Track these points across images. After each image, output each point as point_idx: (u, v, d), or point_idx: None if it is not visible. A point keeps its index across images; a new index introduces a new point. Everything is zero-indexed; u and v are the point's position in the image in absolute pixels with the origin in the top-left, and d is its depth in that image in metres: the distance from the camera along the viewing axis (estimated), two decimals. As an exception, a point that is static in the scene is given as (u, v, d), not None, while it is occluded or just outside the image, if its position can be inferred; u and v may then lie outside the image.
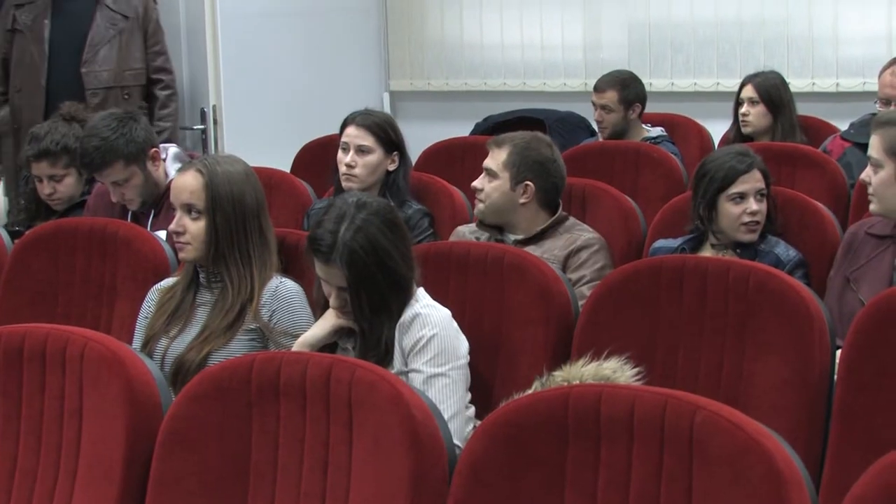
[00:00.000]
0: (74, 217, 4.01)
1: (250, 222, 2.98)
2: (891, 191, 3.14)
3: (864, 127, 4.56)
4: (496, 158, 3.44)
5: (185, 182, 2.96)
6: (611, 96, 4.98)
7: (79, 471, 2.43)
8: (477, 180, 3.49)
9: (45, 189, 4.08)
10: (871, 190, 3.17)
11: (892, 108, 4.44)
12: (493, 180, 3.42)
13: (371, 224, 2.69)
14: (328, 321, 2.78)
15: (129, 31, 5.01)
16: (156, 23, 5.11)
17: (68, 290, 3.55)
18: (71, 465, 2.44)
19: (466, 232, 3.56)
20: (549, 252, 3.32)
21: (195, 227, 2.92)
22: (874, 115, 4.45)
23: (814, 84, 5.71)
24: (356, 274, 2.62)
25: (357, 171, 3.78)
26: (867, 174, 3.18)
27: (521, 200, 3.39)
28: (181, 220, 2.91)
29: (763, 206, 3.33)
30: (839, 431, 2.57)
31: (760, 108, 4.82)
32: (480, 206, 3.49)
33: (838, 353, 2.70)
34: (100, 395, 2.43)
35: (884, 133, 3.16)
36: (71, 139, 3.87)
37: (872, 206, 3.18)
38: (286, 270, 3.08)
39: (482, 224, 3.53)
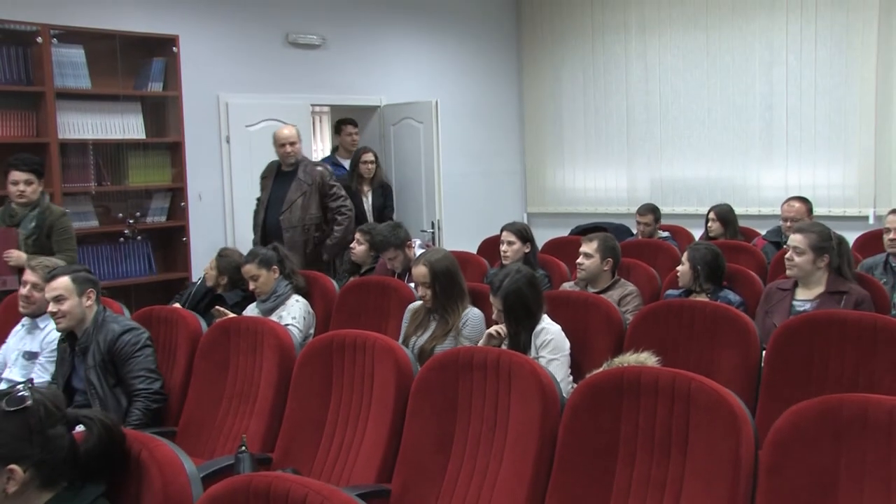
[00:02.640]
0: (370, 276, 5.21)
1: (452, 282, 4.11)
2: (807, 267, 4.09)
3: (774, 233, 6.03)
4: (590, 247, 4.55)
5: (417, 271, 4.15)
6: (649, 218, 6.68)
7: (373, 403, 3.19)
8: (580, 258, 4.57)
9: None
10: (793, 264, 4.11)
11: (789, 223, 5.72)
12: (589, 259, 4.53)
13: (521, 280, 3.68)
14: (497, 329, 3.73)
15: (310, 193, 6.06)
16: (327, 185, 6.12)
17: (367, 312, 4.63)
18: (367, 400, 3.20)
19: (568, 286, 4.70)
20: (611, 297, 4.36)
21: (423, 291, 4.15)
22: (779, 227, 5.90)
23: (747, 210, 7.44)
24: (507, 304, 3.65)
25: (509, 254, 4.96)
26: (791, 255, 4.10)
27: (605, 268, 4.54)
28: (417, 290, 4.23)
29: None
30: (765, 393, 3.40)
31: (718, 224, 6.24)
32: (582, 273, 4.56)
33: (763, 352, 3.50)
34: (382, 368, 3.20)
35: (808, 235, 4.10)
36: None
37: (791, 272, 4.14)
38: (473, 303, 4.18)
39: (579, 282, 4.63)
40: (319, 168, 6.25)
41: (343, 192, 6.23)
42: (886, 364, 3.19)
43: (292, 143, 6.15)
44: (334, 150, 7.49)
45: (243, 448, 3.03)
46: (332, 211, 6.14)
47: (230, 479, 1.98)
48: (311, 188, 6.07)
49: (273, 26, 7.45)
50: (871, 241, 5.64)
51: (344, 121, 7.54)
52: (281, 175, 6.18)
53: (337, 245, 6.14)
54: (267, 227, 6.15)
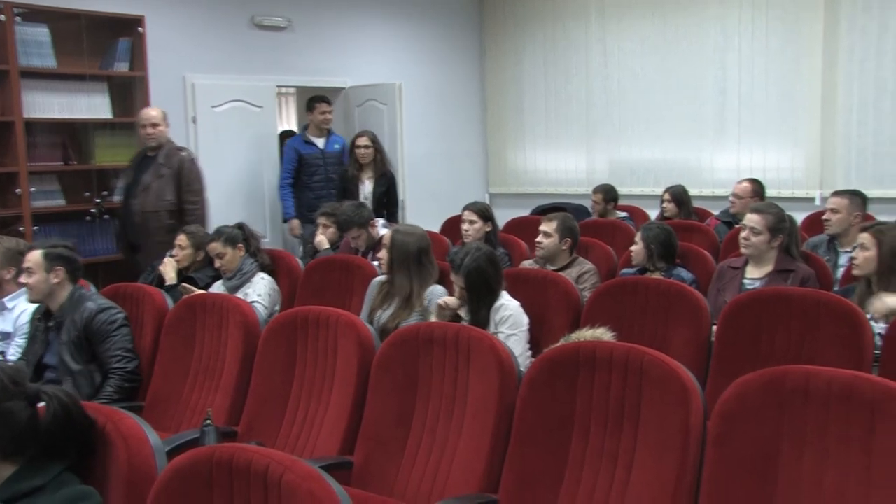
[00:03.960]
0: (334, 255, 5.15)
1: (413, 259, 4.06)
2: (763, 247, 4.14)
3: (726, 213, 6.10)
4: (550, 226, 4.56)
5: (385, 238, 4.16)
6: (599, 197, 6.76)
7: (336, 377, 3.19)
8: (539, 237, 4.58)
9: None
10: (749, 243, 4.15)
11: (733, 199, 5.95)
12: (548, 238, 4.55)
13: (481, 257, 3.66)
14: (455, 301, 3.70)
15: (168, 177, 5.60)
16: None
17: (331, 290, 4.57)
18: (331, 375, 3.21)
19: (528, 264, 4.71)
20: (569, 275, 4.37)
21: (384, 255, 4.13)
22: (728, 209, 5.98)
23: (700, 191, 7.47)
24: (469, 281, 3.64)
25: (470, 232, 4.98)
26: (747, 235, 4.14)
27: (563, 248, 4.55)
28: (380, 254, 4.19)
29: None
30: (715, 367, 3.49)
31: (673, 204, 6.29)
32: (541, 251, 4.57)
33: (714, 327, 3.59)
34: (345, 343, 3.20)
35: (765, 216, 4.14)
36: None
37: (747, 251, 4.18)
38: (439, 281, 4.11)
39: (538, 260, 4.64)
40: (184, 154, 5.82)
41: (198, 187, 5.72)
42: (828, 337, 3.27)
43: (154, 125, 5.72)
44: (304, 127, 7.29)
45: (208, 421, 3.03)
46: (183, 203, 5.67)
47: (194, 450, 1.98)
48: (169, 172, 5.63)
49: (239, 8, 7.38)
50: (817, 222, 5.70)
51: (317, 98, 7.25)
52: (145, 159, 5.78)
53: None
54: (123, 213, 5.79)
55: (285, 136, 8.24)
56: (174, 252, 4.92)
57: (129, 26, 6.25)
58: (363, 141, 6.77)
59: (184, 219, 5.53)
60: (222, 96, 7.19)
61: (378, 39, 8.48)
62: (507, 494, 2.64)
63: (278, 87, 7.90)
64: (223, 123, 7.16)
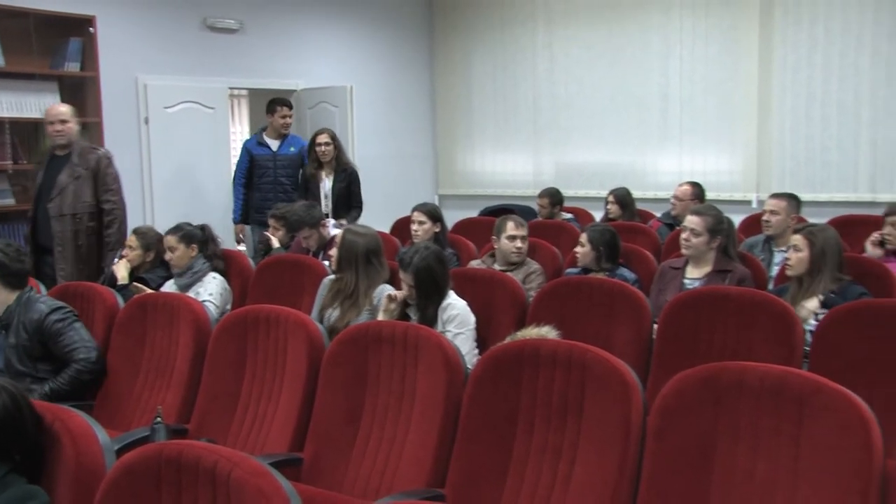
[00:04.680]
0: (285, 254, 5.13)
1: (361, 258, 3.99)
2: (702, 247, 4.19)
3: (668, 215, 6.18)
4: (525, 230, 4.54)
5: (337, 237, 4.15)
6: (545, 202, 6.79)
7: (286, 375, 3.16)
8: (519, 242, 4.50)
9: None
10: (690, 244, 4.19)
11: (674, 202, 6.04)
12: (525, 242, 4.54)
13: (430, 256, 3.66)
14: (403, 293, 3.72)
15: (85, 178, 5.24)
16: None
17: (282, 289, 4.52)
18: (281, 373, 3.18)
19: (475, 264, 4.69)
20: (516, 275, 4.36)
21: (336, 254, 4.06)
22: (670, 211, 6.04)
23: (644, 194, 7.53)
24: (418, 279, 3.63)
25: (420, 233, 4.95)
26: (687, 236, 4.18)
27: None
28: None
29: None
30: (656, 364, 3.54)
31: (617, 206, 6.36)
32: (520, 256, 4.52)
33: (655, 326, 3.64)
34: (294, 342, 3.18)
35: (705, 218, 4.19)
36: None
37: (687, 252, 4.22)
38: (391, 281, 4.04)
39: (488, 259, 4.66)
40: (100, 152, 5.44)
41: (116, 187, 5.38)
42: (763, 334, 3.33)
43: (63, 122, 5.29)
44: (262, 129, 7.05)
45: (158, 419, 2.99)
46: (101, 203, 5.33)
47: (142, 447, 1.96)
48: (86, 173, 5.26)
49: (191, 10, 7.30)
50: (754, 224, 5.84)
51: (277, 101, 6.96)
52: (54, 160, 5.34)
53: (115, 251, 5.25)
54: (37, 218, 5.31)
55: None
56: (124, 252, 4.85)
57: (79, 26, 6.14)
58: (324, 138, 6.59)
59: (103, 219, 5.31)
60: (174, 97, 7.09)
61: (330, 42, 8.45)
62: (454, 489, 2.65)
63: (231, 88, 7.82)
64: (175, 124, 7.07)
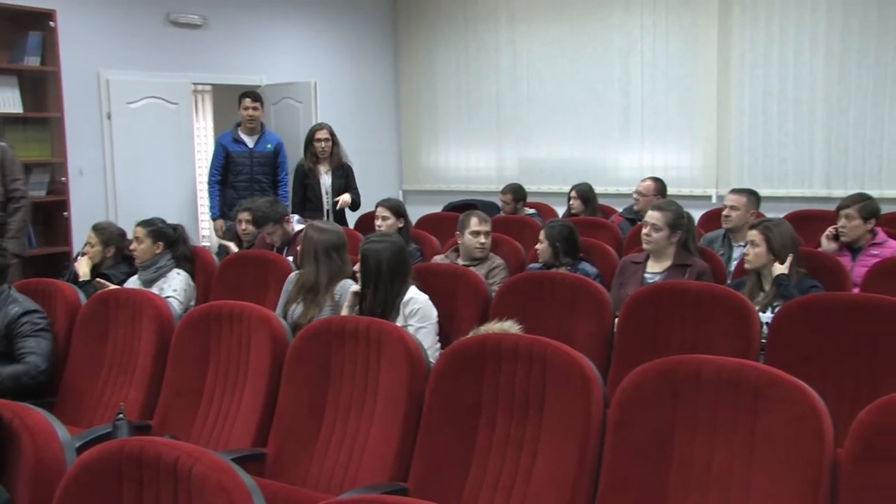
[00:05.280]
0: (253, 250, 5.08)
1: (322, 253, 3.94)
2: (663, 242, 4.22)
3: (629, 210, 6.24)
4: (488, 225, 4.60)
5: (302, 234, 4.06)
6: (508, 197, 6.79)
7: (249, 371, 3.13)
8: (483, 238, 4.56)
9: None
10: (650, 239, 4.22)
11: (637, 197, 6.10)
12: (488, 237, 4.59)
13: (390, 246, 3.66)
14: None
15: None
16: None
17: (246, 285, 4.50)
18: (244, 369, 3.15)
19: (439, 259, 4.74)
20: (480, 270, 4.42)
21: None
22: (632, 206, 6.09)
23: (606, 189, 7.61)
24: (375, 268, 3.58)
25: (383, 228, 4.94)
26: (648, 231, 4.20)
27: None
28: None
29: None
30: (617, 357, 3.55)
31: (579, 202, 6.39)
32: (484, 251, 4.57)
33: (616, 319, 3.64)
34: (258, 337, 3.16)
35: (665, 213, 4.22)
36: None
37: (648, 247, 4.24)
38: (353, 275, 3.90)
39: (451, 254, 4.69)
40: (2, 143, 5.36)
41: (21, 176, 5.34)
42: (720, 328, 3.36)
43: None
44: (237, 125, 6.91)
45: (120, 415, 2.96)
46: (7, 192, 5.27)
47: (103, 444, 1.93)
48: None
49: (153, 4, 7.21)
50: (714, 219, 5.90)
51: (244, 93, 6.84)
52: None
53: (19, 241, 5.29)
54: None
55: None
56: (85, 249, 4.79)
57: (39, 20, 6.04)
58: (323, 134, 6.51)
59: (9, 207, 5.25)
60: (137, 93, 7.01)
61: (294, 38, 8.39)
62: (417, 482, 2.65)
63: (194, 84, 7.72)
64: (138, 120, 6.98)
